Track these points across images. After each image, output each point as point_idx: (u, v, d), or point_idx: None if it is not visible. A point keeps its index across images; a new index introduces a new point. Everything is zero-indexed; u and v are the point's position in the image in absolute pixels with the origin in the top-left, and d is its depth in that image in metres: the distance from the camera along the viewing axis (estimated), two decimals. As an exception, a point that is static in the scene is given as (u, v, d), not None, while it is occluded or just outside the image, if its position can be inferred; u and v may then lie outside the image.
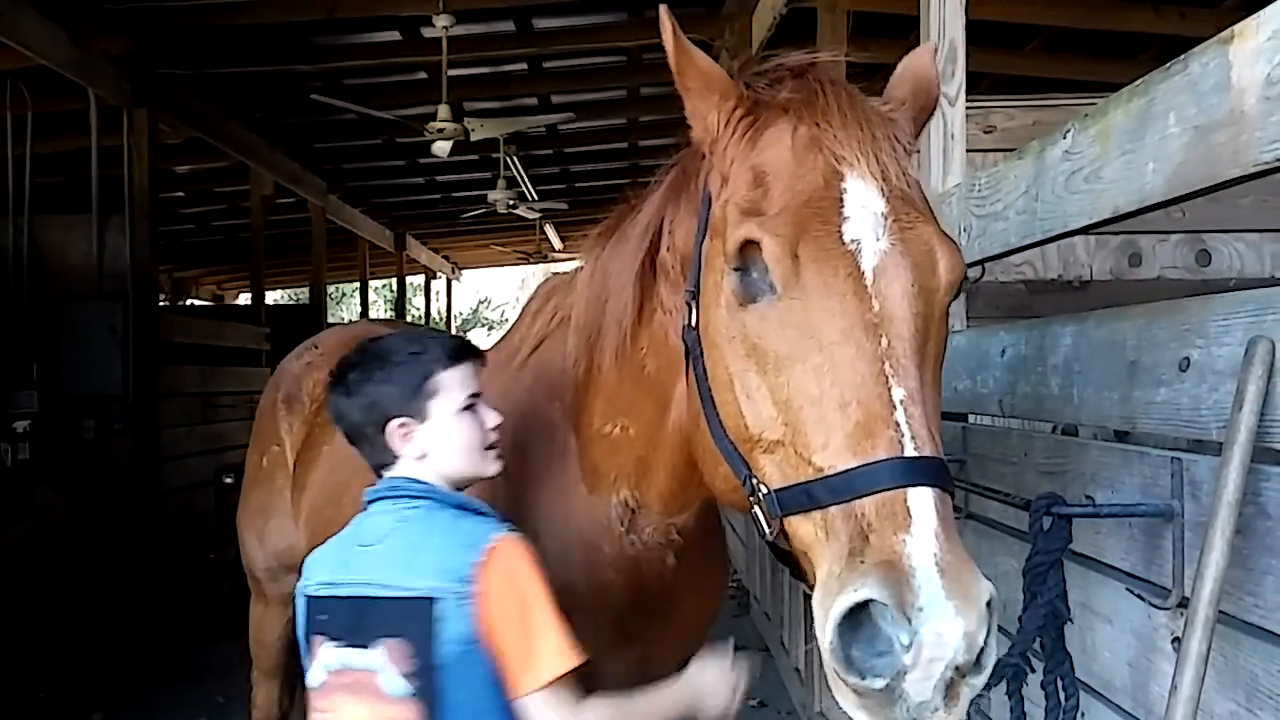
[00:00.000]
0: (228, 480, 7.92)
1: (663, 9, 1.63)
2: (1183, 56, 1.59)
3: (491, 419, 1.97)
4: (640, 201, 1.97)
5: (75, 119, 7.66)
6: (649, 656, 2.31)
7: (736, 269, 1.47)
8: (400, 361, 1.95)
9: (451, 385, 1.93)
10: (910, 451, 1.29)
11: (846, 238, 1.40)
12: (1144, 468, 1.68)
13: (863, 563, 1.23)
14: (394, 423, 1.90)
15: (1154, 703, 1.65)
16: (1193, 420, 1.55)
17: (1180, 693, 1.28)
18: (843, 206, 1.42)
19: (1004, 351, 2.33)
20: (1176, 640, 1.56)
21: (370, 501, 1.94)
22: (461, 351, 1.99)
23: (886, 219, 1.42)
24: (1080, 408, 1.94)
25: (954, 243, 1.47)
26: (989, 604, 1.22)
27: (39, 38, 6.49)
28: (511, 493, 2.25)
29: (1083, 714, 1.67)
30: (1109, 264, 3.90)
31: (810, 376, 1.37)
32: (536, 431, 2.24)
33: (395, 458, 1.93)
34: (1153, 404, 1.67)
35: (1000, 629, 1.30)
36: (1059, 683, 1.63)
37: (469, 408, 1.94)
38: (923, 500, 1.25)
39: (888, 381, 1.32)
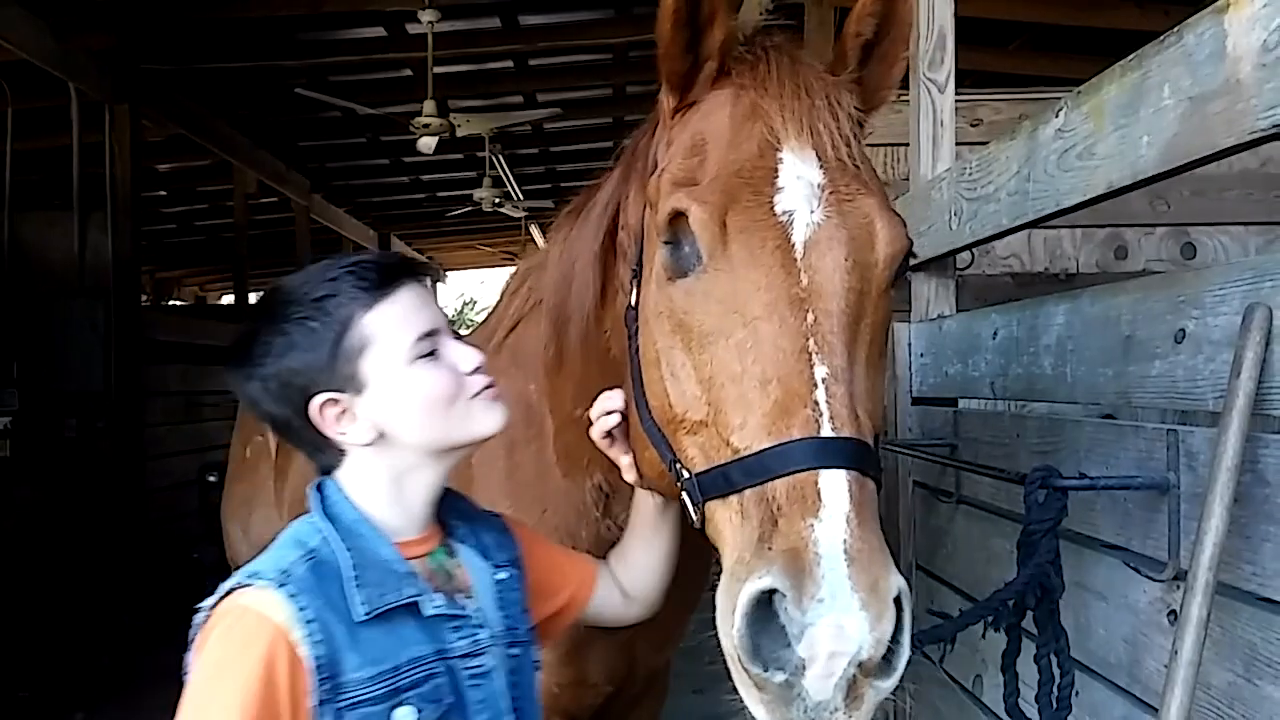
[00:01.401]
0: (211, 479, 7.84)
1: None
2: (1177, 28, 1.59)
3: (468, 359, 1.44)
4: (602, 180, 1.93)
5: (56, 116, 7.60)
6: (633, 642, 2.30)
7: (667, 242, 1.42)
8: (302, 314, 1.36)
9: (388, 327, 1.37)
10: (827, 432, 1.23)
11: (778, 209, 1.35)
12: (1139, 442, 1.67)
13: (770, 549, 1.18)
14: (316, 402, 1.36)
15: (1150, 678, 1.64)
16: (1189, 392, 1.54)
17: (1180, 658, 1.27)
18: (777, 177, 1.38)
19: (995, 334, 2.32)
20: (1173, 614, 1.55)
21: None
22: (393, 273, 1.41)
23: (824, 191, 1.37)
24: (1074, 386, 1.93)
25: (897, 215, 1.43)
26: (899, 600, 1.16)
27: (20, 31, 6.44)
28: (492, 476, 2.23)
29: (1077, 692, 1.66)
30: (1095, 257, 3.92)
31: (733, 353, 1.32)
32: (514, 414, 2.21)
33: (341, 451, 1.41)
34: (1147, 378, 1.66)
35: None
36: (1054, 659, 1.61)
37: (429, 353, 1.40)
38: (835, 483, 1.20)
39: (810, 359, 1.27)
